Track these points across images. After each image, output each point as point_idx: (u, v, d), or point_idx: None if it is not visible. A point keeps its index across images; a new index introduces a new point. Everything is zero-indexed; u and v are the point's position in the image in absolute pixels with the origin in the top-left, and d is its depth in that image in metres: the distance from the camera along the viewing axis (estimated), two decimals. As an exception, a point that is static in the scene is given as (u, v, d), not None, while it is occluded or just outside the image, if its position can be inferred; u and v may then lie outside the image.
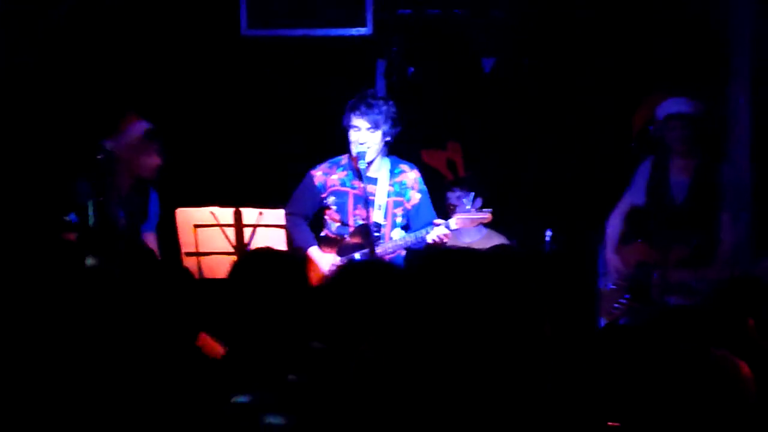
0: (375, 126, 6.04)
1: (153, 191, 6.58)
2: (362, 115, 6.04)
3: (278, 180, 6.87)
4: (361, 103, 6.06)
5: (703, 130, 6.38)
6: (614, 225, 6.66)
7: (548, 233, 6.60)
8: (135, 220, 6.42)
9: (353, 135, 6.07)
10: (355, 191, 6.17)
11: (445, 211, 6.68)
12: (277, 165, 7.45)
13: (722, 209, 6.38)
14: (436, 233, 5.94)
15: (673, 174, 6.46)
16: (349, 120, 6.08)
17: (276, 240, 5.71)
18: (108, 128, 6.42)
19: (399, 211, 6.21)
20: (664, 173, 6.46)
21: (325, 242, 6.24)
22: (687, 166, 6.38)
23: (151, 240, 6.52)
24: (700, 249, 6.27)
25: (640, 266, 6.43)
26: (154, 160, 6.41)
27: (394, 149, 6.31)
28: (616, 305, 6.39)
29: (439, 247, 5.94)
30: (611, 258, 6.60)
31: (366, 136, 6.05)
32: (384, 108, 6.07)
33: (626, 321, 6.33)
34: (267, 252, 3.74)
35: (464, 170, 7.90)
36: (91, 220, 6.04)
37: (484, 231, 7.20)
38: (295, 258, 3.68)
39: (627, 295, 6.38)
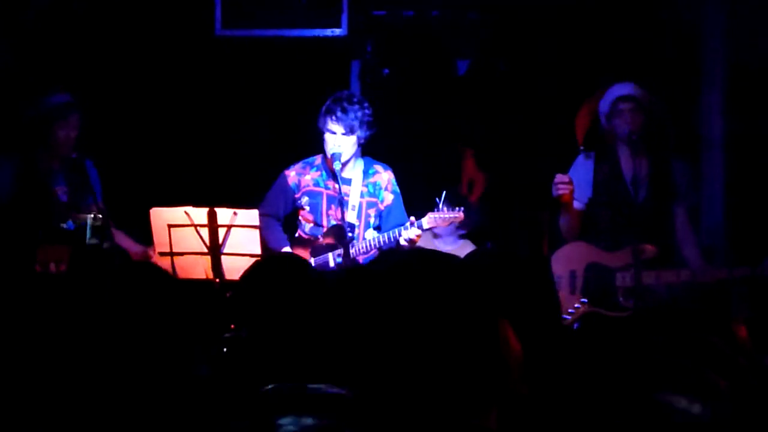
0: (350, 131, 6.05)
1: (89, 163, 6.43)
2: (337, 120, 6.04)
3: (253, 180, 6.86)
4: (336, 107, 6.06)
5: (651, 120, 6.11)
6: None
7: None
8: (79, 195, 6.30)
9: (329, 139, 6.08)
10: (328, 191, 6.18)
11: (421, 210, 6.69)
12: (251, 165, 7.44)
13: (677, 206, 6.17)
14: (408, 234, 5.94)
15: (624, 171, 6.17)
16: (325, 124, 6.08)
17: (250, 240, 5.70)
18: (28, 99, 6.32)
19: (372, 212, 6.22)
20: (617, 169, 6.20)
21: (298, 243, 6.24)
22: (636, 162, 6.01)
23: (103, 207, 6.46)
24: (661, 247, 6.03)
25: (593, 268, 6.11)
26: (70, 133, 6.22)
27: (369, 151, 6.31)
28: (571, 310, 5.99)
29: (411, 247, 5.95)
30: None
31: (341, 140, 6.05)
32: (359, 113, 6.07)
33: (579, 327, 6.07)
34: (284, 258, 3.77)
35: (478, 198, 7.85)
36: (88, 235, 6.01)
37: (460, 241, 7.20)
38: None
39: (583, 300, 6.03)
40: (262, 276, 3.51)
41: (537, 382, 2.77)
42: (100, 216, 6.13)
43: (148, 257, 6.23)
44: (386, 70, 7.74)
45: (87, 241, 6.03)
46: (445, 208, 6.05)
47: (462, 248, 7.07)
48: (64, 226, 6.04)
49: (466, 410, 1.82)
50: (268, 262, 3.68)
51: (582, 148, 6.64)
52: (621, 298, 6.00)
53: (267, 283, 3.45)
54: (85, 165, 6.38)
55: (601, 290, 6.05)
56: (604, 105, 6.18)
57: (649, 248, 5.97)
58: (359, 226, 6.17)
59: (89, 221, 6.02)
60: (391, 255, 1.96)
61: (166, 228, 5.73)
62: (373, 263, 1.96)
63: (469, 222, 6.90)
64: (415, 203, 6.94)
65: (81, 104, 6.30)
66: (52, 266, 5.93)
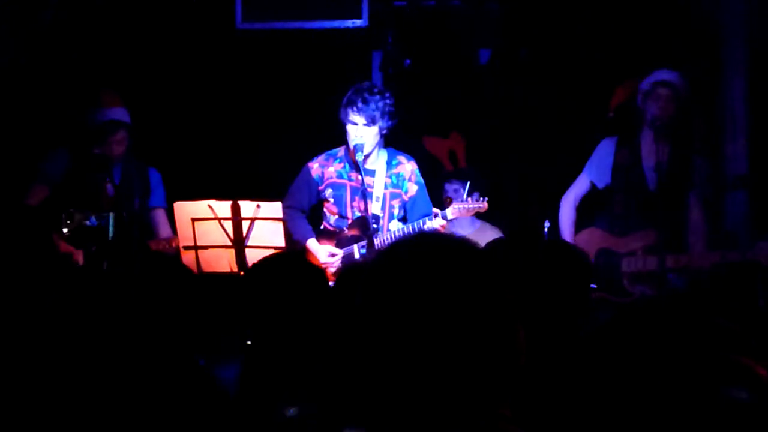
0: (371, 122, 6.04)
1: (153, 170, 6.65)
2: (359, 111, 6.03)
3: (276, 173, 6.87)
4: (358, 98, 6.05)
5: (683, 111, 6.20)
6: (569, 207, 6.47)
7: (546, 223, 6.57)
8: (133, 192, 6.47)
9: (350, 130, 6.07)
10: (352, 183, 6.17)
11: (440, 202, 6.66)
12: (274, 158, 7.44)
13: (692, 195, 6.23)
14: (432, 224, 5.94)
15: (644, 157, 6.26)
16: (346, 115, 6.07)
17: (274, 233, 5.71)
18: (86, 100, 6.51)
19: (396, 203, 6.21)
20: (636, 154, 6.27)
21: (323, 235, 6.24)
22: (657, 150, 6.10)
23: (160, 215, 6.54)
24: (672, 235, 6.10)
25: (603, 254, 6.19)
26: (115, 148, 6.42)
27: (392, 139, 6.30)
28: None
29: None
30: (566, 238, 6.35)
31: (363, 131, 6.05)
32: (380, 103, 6.05)
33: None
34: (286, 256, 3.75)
35: (465, 162, 7.87)
36: (110, 231, 6.06)
37: (478, 223, 7.16)
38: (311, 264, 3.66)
39: (592, 285, 6.14)
40: (269, 272, 3.48)
41: (555, 373, 2.76)
42: (125, 214, 6.22)
43: (169, 247, 6.29)
44: (407, 61, 7.71)
45: (110, 237, 6.08)
46: (469, 199, 6.05)
47: (480, 231, 7.05)
48: (87, 222, 6.08)
49: (488, 400, 1.81)
50: (275, 259, 3.65)
51: (611, 114, 6.66)
52: (626, 283, 6.05)
53: (275, 279, 3.41)
54: (146, 170, 6.57)
55: (608, 275, 6.09)
56: (645, 84, 6.26)
57: (648, 234, 6.03)
58: (383, 217, 6.17)
59: (111, 219, 6.05)
60: (408, 241, 1.92)
61: (190, 222, 5.75)
62: (389, 250, 1.92)
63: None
64: (438, 191, 6.97)
65: (132, 121, 6.47)
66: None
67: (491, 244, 3.46)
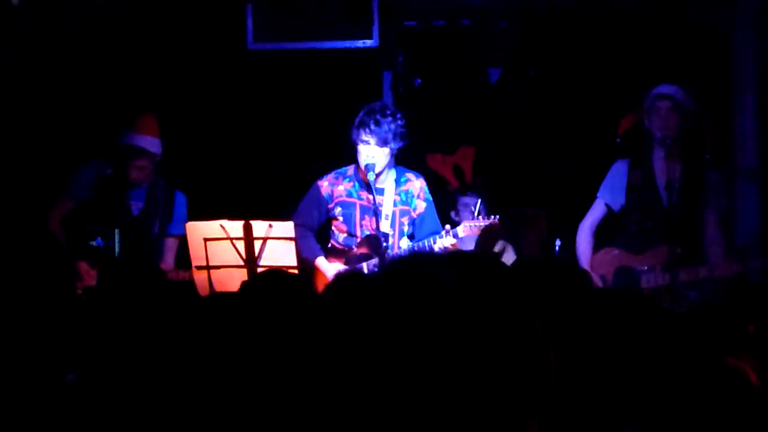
0: (383, 143, 6.05)
1: (180, 194, 6.73)
2: (371, 132, 6.04)
3: (287, 192, 6.89)
4: (370, 120, 6.06)
5: (687, 122, 6.25)
6: (586, 234, 6.50)
7: (557, 242, 6.58)
8: (155, 216, 6.55)
9: (362, 150, 6.07)
10: (361, 202, 6.18)
11: (446, 220, 6.69)
12: (286, 177, 7.46)
13: (708, 210, 6.26)
14: (443, 242, 5.94)
15: (657, 176, 6.31)
16: (358, 136, 6.08)
17: (286, 252, 5.71)
18: (122, 121, 6.62)
19: (405, 220, 6.22)
20: (649, 173, 6.32)
21: (332, 253, 6.24)
22: (669, 168, 6.15)
23: (171, 243, 6.60)
24: (689, 250, 6.13)
25: (622, 272, 6.24)
26: (134, 173, 6.53)
27: (402, 157, 6.32)
28: None
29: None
30: (585, 265, 6.36)
31: (374, 152, 6.06)
32: (392, 125, 6.06)
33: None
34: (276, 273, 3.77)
35: (472, 177, 7.88)
36: (116, 249, 6.09)
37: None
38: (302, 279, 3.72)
39: None
40: (256, 292, 3.51)
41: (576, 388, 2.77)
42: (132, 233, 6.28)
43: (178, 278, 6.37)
44: (418, 80, 7.74)
45: (116, 256, 6.11)
46: (480, 217, 6.06)
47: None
48: (93, 243, 6.11)
49: (509, 420, 1.82)
50: (262, 278, 3.67)
51: (618, 140, 6.71)
52: None
53: (262, 299, 3.44)
54: (173, 194, 6.66)
55: None
56: (647, 101, 6.32)
57: (666, 250, 6.05)
58: (393, 235, 6.17)
59: (117, 236, 6.09)
60: (431, 258, 1.93)
61: (202, 242, 5.75)
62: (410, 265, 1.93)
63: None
64: (446, 207, 6.98)
65: (159, 148, 6.59)
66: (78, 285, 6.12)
67: (517, 264, 3.48)
